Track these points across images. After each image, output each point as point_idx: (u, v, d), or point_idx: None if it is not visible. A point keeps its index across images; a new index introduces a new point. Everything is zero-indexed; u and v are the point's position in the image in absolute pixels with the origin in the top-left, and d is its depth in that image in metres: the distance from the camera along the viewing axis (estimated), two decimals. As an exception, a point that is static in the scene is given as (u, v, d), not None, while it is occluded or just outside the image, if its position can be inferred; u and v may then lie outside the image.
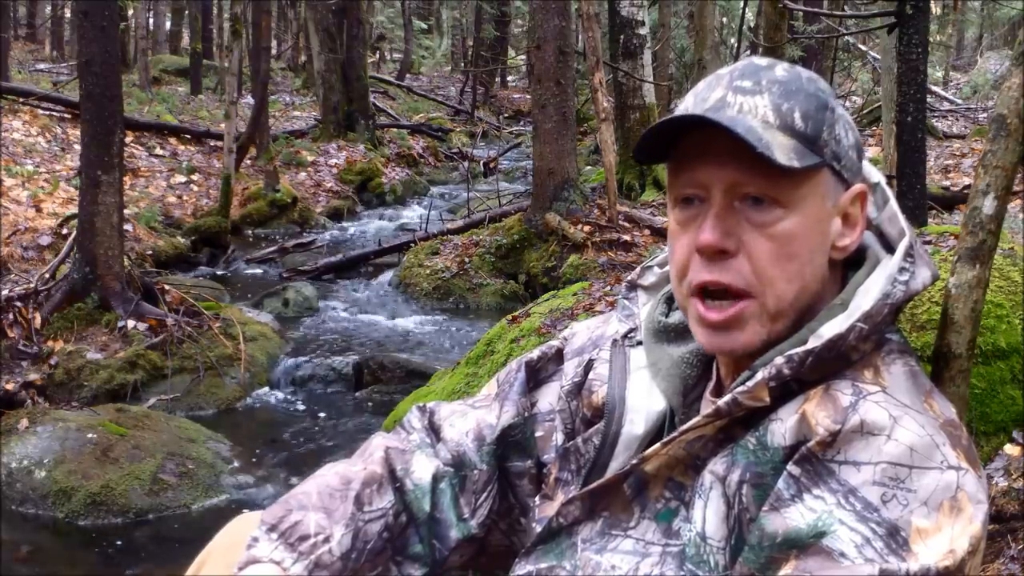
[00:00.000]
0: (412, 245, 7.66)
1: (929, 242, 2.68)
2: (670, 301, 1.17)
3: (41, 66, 18.76)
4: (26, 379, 4.67)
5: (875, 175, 1.09)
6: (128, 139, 9.51)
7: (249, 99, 12.87)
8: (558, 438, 1.19)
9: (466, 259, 7.16)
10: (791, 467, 0.90)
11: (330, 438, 4.55)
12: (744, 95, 0.99)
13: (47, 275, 5.42)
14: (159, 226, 8.19)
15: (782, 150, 0.94)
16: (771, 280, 0.97)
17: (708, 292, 0.99)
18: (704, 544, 0.96)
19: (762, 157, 0.92)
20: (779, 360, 0.95)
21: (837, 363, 0.96)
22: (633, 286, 1.23)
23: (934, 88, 13.73)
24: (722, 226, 0.97)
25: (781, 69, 1.01)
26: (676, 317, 1.14)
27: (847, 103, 12.41)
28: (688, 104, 1.02)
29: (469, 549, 1.20)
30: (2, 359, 4.73)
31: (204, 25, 19.71)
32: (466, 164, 12.93)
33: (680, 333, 1.13)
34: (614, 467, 1.10)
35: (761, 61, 1.03)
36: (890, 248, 1.05)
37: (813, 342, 0.95)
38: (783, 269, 0.97)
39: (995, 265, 1.78)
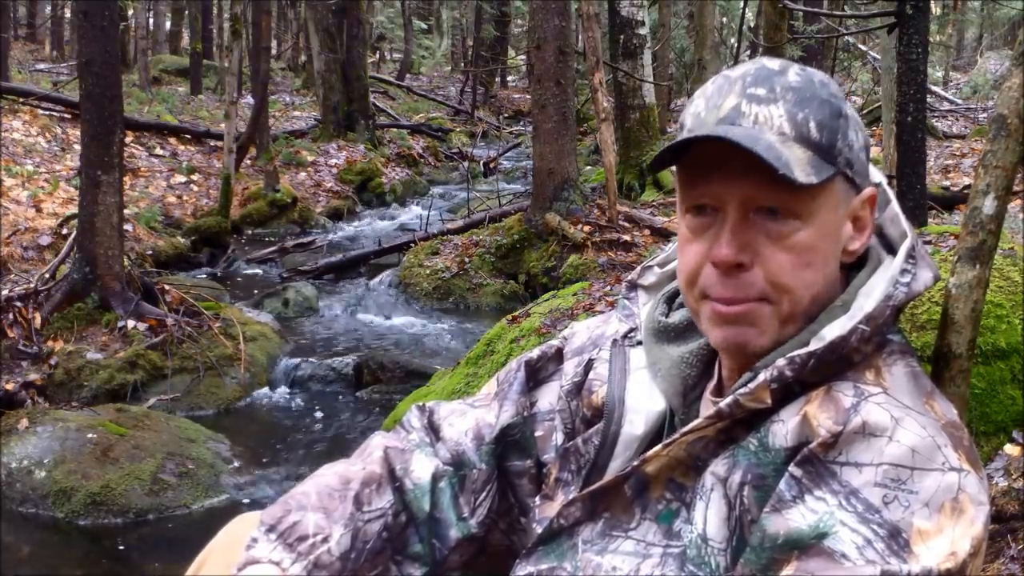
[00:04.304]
0: (412, 245, 7.66)
1: (929, 242, 2.68)
2: (670, 301, 1.17)
3: (41, 66, 18.76)
4: (26, 379, 4.67)
5: (876, 175, 1.09)
6: (128, 139, 9.50)
7: (249, 99, 12.87)
8: (558, 438, 1.19)
9: (466, 259, 7.15)
10: (793, 468, 0.90)
11: (330, 438, 4.55)
12: (759, 104, 0.97)
13: (47, 275, 5.42)
14: (159, 226, 8.19)
15: (800, 165, 0.93)
16: (788, 288, 0.97)
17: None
18: (705, 545, 0.96)
19: (784, 178, 0.91)
20: (781, 362, 0.95)
21: (839, 364, 0.96)
22: (633, 286, 1.22)
23: (934, 88, 13.72)
24: (738, 240, 0.96)
25: (794, 73, 1.00)
26: (676, 317, 1.14)
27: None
28: (699, 108, 1.01)
29: (469, 549, 1.20)
30: (2, 359, 4.72)
31: (204, 25, 19.73)
32: (466, 164, 12.93)
33: (680, 333, 1.13)
34: (614, 467, 1.10)
35: (773, 64, 1.01)
36: (891, 248, 1.05)
37: (815, 344, 0.95)
38: (800, 278, 0.97)
39: (995, 265, 1.77)
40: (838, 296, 1.01)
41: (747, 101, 0.98)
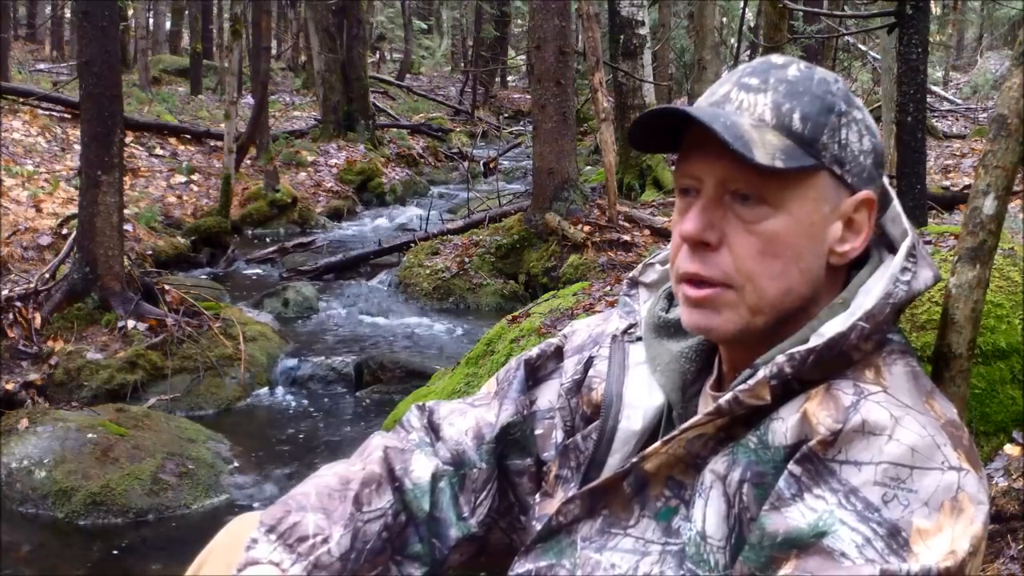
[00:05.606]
0: (412, 245, 7.66)
1: (929, 242, 2.69)
2: (671, 297, 1.17)
3: (41, 66, 18.76)
4: (26, 379, 4.67)
5: (878, 178, 1.09)
6: (128, 139, 9.51)
7: (249, 99, 12.87)
8: (558, 436, 1.19)
9: (466, 259, 7.15)
10: (792, 466, 0.90)
11: (330, 438, 4.55)
12: (748, 92, 0.99)
13: (47, 275, 5.42)
14: (159, 226, 8.19)
15: (766, 149, 0.94)
16: (751, 275, 0.97)
17: (692, 279, 1.01)
18: (704, 543, 0.96)
19: (736, 154, 0.92)
20: (780, 359, 0.95)
21: (838, 362, 0.95)
22: (634, 283, 1.23)
23: (934, 88, 13.73)
24: (705, 218, 0.97)
25: (795, 69, 1.01)
26: (676, 313, 1.14)
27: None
28: (703, 98, 1.04)
29: (469, 548, 1.19)
30: (2, 359, 4.72)
31: (204, 25, 19.74)
32: (466, 164, 12.93)
33: (680, 328, 1.12)
34: (612, 463, 1.10)
35: (778, 60, 1.03)
36: (892, 248, 1.05)
37: (815, 341, 0.95)
38: (766, 266, 0.97)
39: (995, 265, 1.77)
40: (831, 295, 1.01)
41: (738, 89, 1.00)
